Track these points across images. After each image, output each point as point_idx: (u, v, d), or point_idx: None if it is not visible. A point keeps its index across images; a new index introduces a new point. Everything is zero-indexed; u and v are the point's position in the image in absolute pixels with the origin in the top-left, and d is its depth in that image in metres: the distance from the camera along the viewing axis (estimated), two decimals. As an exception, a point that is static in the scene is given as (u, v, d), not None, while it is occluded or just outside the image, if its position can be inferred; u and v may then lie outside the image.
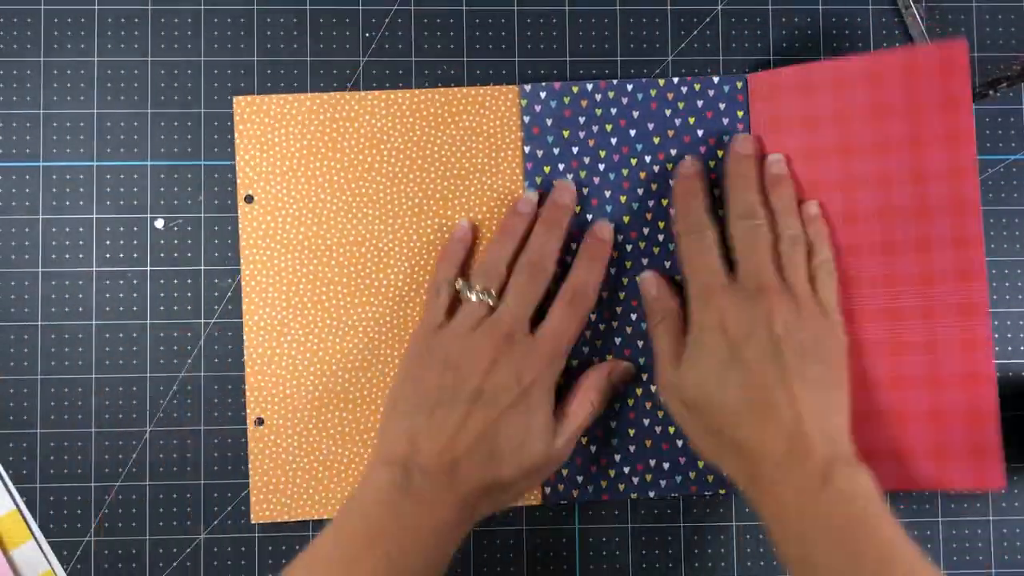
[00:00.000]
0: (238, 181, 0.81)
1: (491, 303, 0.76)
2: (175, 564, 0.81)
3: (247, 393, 0.80)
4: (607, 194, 0.82)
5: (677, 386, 0.75)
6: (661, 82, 0.82)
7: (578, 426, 0.76)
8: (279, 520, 0.80)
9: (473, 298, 0.76)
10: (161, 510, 0.81)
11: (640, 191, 0.82)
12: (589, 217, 0.82)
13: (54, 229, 0.82)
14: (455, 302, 0.78)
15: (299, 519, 0.80)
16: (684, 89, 0.82)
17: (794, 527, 0.68)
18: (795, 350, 0.71)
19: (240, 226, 0.81)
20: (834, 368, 0.74)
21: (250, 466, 0.80)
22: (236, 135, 0.81)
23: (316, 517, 0.80)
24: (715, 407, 0.72)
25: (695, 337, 0.75)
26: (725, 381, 0.72)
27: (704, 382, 0.73)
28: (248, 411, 0.80)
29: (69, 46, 0.82)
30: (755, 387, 0.71)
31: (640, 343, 0.82)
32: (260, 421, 0.80)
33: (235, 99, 0.81)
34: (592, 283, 0.78)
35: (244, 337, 0.81)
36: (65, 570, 0.81)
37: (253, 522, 0.80)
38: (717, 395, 0.72)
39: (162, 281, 0.82)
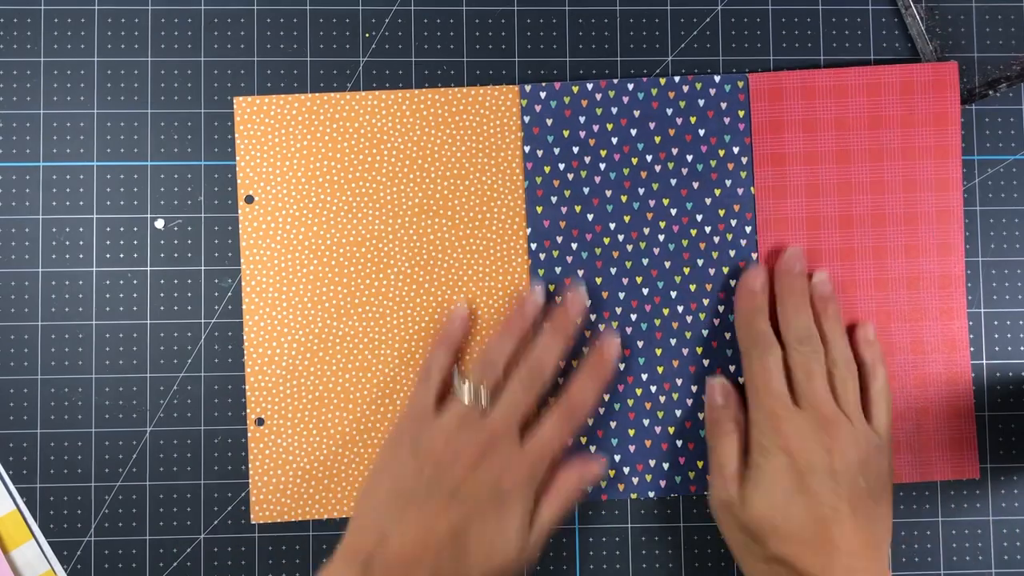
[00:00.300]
0: (238, 182, 0.81)
1: (483, 405, 0.76)
2: (175, 564, 0.81)
3: (247, 393, 0.80)
4: (608, 193, 0.82)
5: (737, 507, 0.75)
6: (662, 81, 0.82)
7: (547, 530, 0.76)
8: (279, 520, 0.80)
9: (466, 398, 0.76)
10: (161, 510, 0.81)
11: (641, 190, 0.82)
12: (590, 217, 0.82)
13: (54, 229, 0.81)
14: (445, 387, 0.79)
15: (299, 519, 0.80)
16: (685, 88, 0.82)
17: None
18: (854, 483, 0.73)
19: (240, 227, 0.81)
20: (885, 495, 0.75)
21: (250, 466, 0.80)
22: (236, 135, 0.81)
23: (316, 517, 0.80)
24: (779, 535, 0.73)
25: (759, 460, 0.75)
26: (789, 511, 0.73)
27: (769, 509, 0.73)
28: (248, 411, 0.80)
29: (69, 46, 0.82)
30: (818, 519, 0.72)
31: (640, 343, 0.82)
32: (260, 421, 0.80)
33: (236, 99, 0.81)
34: (591, 402, 0.78)
35: (244, 337, 0.81)
36: (65, 570, 0.81)
37: (253, 522, 0.80)
38: (782, 524, 0.73)
39: (162, 281, 0.82)
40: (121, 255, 0.82)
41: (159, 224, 0.82)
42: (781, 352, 0.77)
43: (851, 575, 0.70)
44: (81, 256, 0.81)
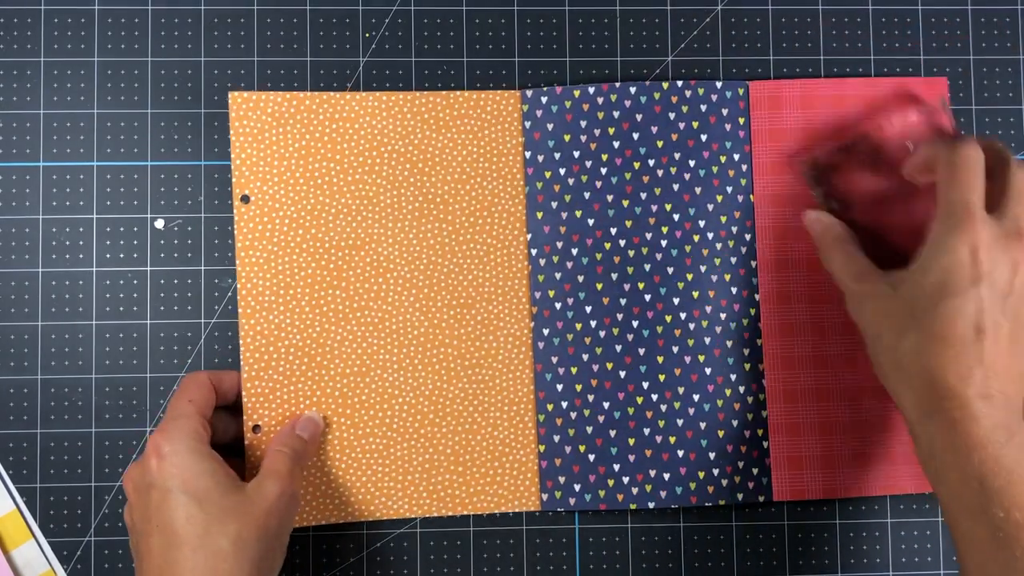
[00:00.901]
0: (234, 180, 0.80)
1: None
2: (175, 565, 0.81)
3: (244, 399, 0.80)
4: (609, 198, 0.82)
5: (881, 292, 0.74)
6: (665, 85, 0.82)
7: (278, 469, 0.74)
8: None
9: None
10: (161, 510, 0.81)
11: (643, 195, 0.82)
12: (590, 222, 0.82)
13: (54, 229, 0.81)
14: None
15: (296, 526, 0.80)
16: (688, 93, 0.82)
17: (974, 471, 0.66)
18: (1021, 308, 0.70)
19: (236, 227, 0.80)
20: None
21: (247, 474, 0.80)
22: (232, 131, 0.81)
23: (312, 523, 0.80)
24: (924, 329, 0.69)
25: (933, 254, 0.71)
26: (948, 308, 0.69)
27: (929, 296, 0.70)
28: (245, 417, 0.80)
29: (69, 46, 0.82)
30: (975, 326, 0.68)
31: (641, 351, 0.82)
32: (257, 428, 0.80)
33: (231, 94, 0.81)
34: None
35: (240, 342, 0.80)
36: (65, 570, 0.81)
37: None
38: (936, 319, 0.69)
39: (162, 281, 0.82)
40: (121, 255, 0.82)
41: (159, 224, 0.82)
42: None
43: (985, 397, 0.67)
44: (81, 256, 0.81)
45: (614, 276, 0.82)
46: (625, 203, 0.82)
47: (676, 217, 0.82)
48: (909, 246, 0.73)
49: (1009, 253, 0.69)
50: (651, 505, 0.81)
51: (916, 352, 0.70)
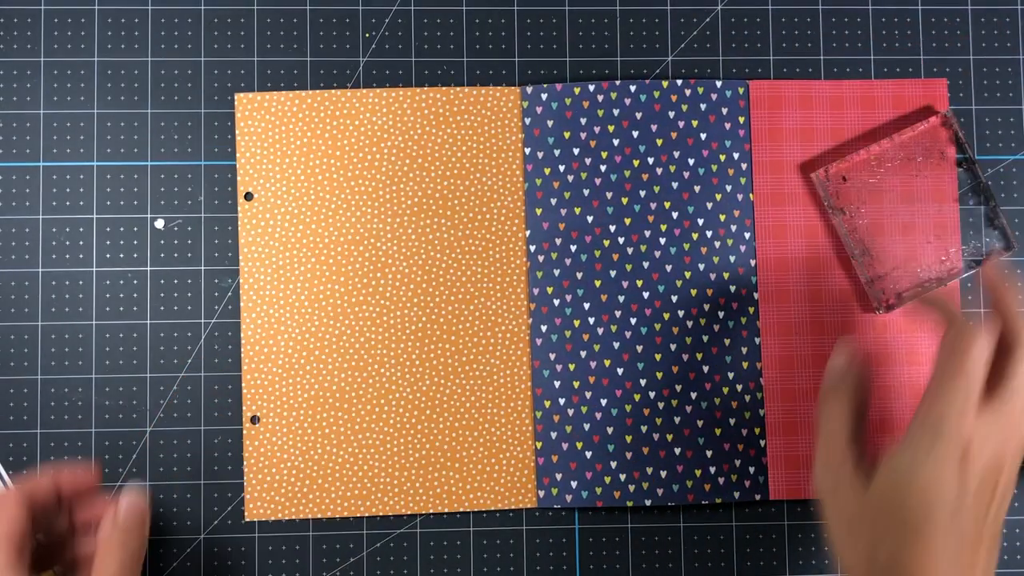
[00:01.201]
0: (238, 178, 0.81)
1: None
2: (175, 564, 0.81)
3: (243, 390, 0.80)
4: (608, 196, 0.82)
5: (852, 485, 0.68)
6: (665, 84, 0.82)
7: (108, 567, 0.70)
8: (273, 519, 0.80)
9: None
10: (161, 510, 0.81)
11: (642, 193, 0.82)
12: (589, 219, 0.82)
13: (54, 229, 0.81)
14: None
15: (293, 518, 0.80)
16: (688, 92, 0.82)
17: None
18: (1001, 513, 0.66)
19: (239, 223, 0.81)
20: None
21: (245, 464, 0.80)
22: (237, 132, 0.81)
23: (310, 516, 0.80)
24: (909, 529, 0.64)
25: (921, 437, 0.65)
26: (939, 524, 0.63)
27: (909, 496, 0.64)
28: (244, 408, 0.80)
29: (69, 46, 0.82)
30: (963, 539, 0.64)
31: (639, 347, 0.82)
32: (255, 419, 0.80)
33: (237, 96, 0.82)
34: None
35: (241, 334, 0.81)
36: (65, 570, 0.81)
37: (247, 520, 0.80)
38: (921, 521, 0.63)
39: (162, 281, 0.82)
40: (121, 255, 0.82)
41: (159, 224, 0.82)
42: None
43: None
44: (81, 256, 0.81)
45: (612, 273, 0.81)
46: (624, 201, 0.82)
47: (675, 215, 0.82)
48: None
49: (997, 457, 0.65)
50: (648, 503, 0.81)
51: (895, 557, 0.64)
